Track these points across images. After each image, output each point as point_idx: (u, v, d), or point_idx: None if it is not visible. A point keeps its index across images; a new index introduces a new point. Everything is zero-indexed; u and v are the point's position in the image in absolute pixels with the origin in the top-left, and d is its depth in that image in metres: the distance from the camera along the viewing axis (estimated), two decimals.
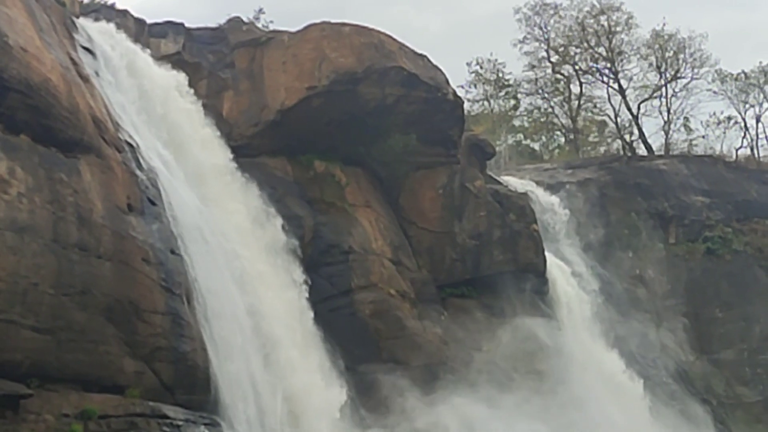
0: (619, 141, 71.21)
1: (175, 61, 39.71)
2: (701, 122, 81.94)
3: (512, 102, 73.96)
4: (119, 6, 40.88)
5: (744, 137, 72.40)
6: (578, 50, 70.04)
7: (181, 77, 38.18)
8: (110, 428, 26.47)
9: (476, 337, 42.32)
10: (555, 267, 49.04)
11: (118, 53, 35.10)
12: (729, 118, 72.46)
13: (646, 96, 69.81)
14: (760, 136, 73.03)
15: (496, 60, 72.65)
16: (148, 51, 37.68)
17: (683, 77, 69.67)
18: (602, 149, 73.39)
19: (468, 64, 73.36)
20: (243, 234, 36.32)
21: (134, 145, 31.43)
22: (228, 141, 38.95)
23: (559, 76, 71.56)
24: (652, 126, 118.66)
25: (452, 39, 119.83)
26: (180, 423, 27.92)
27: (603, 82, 69.96)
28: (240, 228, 36.32)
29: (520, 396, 40.39)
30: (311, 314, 37.41)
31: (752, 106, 72.07)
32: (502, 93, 73.38)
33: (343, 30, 41.79)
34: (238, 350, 31.58)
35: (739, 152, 70.79)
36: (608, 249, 54.04)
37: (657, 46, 68.87)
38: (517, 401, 40.02)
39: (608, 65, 68.90)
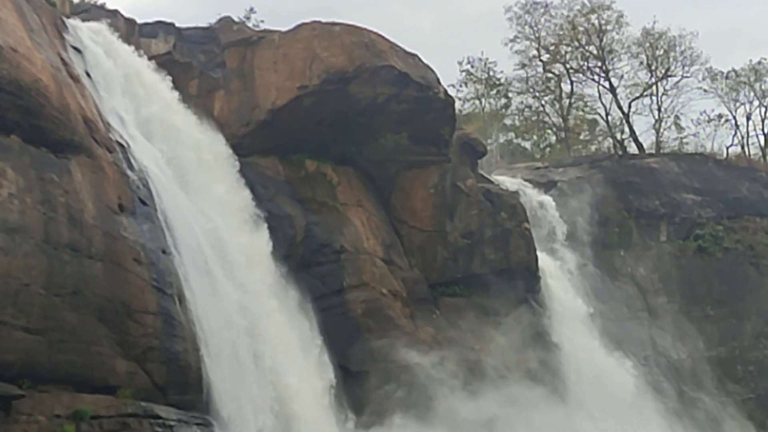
0: (610, 139, 71.27)
1: (166, 61, 39.69)
2: (692, 120, 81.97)
3: (503, 101, 73.94)
4: (110, 6, 40.95)
5: (734, 135, 72.73)
6: (569, 49, 70.05)
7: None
8: (102, 429, 26.48)
9: (468, 335, 42.35)
10: (547, 265, 49.08)
11: (109, 53, 35.11)
12: (719, 116, 72.72)
13: (637, 94, 69.89)
14: (750, 133, 73.30)
15: (487, 59, 72.72)
16: (137, 51, 37.71)
17: (674, 75, 69.77)
18: (593, 148, 73.41)
19: (459, 63, 73.48)
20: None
21: (125, 145, 31.43)
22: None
23: (549, 74, 71.56)
24: (642, 124, 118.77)
25: (444, 38, 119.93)
26: (172, 423, 27.93)
27: (594, 80, 69.99)
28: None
29: (511, 394, 40.43)
30: (304, 312, 37.49)
31: (742, 103, 72.31)
32: (493, 92, 73.37)
33: (334, 29, 41.79)
34: (230, 350, 31.57)
35: (730, 150, 71.06)
36: (600, 247, 54.08)
37: (647, 45, 68.94)
38: (509, 400, 40.07)
39: (599, 64, 68.93)
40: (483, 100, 73.58)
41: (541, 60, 70.72)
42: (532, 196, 52.62)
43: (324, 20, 42.31)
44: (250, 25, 45.11)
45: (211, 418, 29.42)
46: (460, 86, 72.37)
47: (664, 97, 70.20)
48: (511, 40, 70.02)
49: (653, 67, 69.33)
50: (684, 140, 72.51)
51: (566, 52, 70.22)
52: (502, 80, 72.68)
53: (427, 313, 42.91)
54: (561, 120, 72.35)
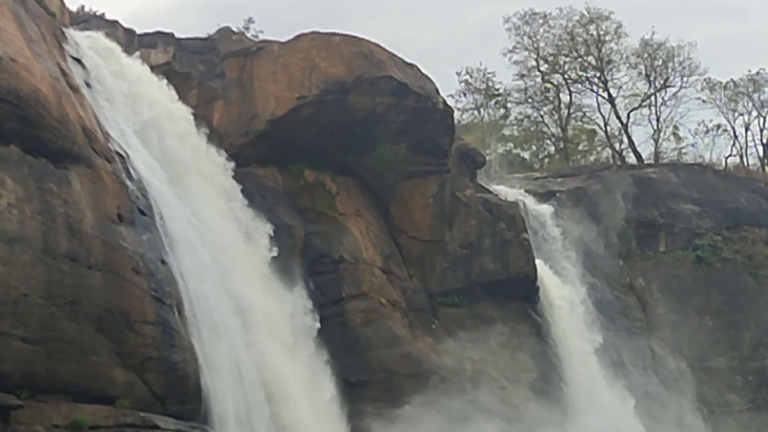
0: (608, 150, 71.43)
1: (165, 71, 39.71)
2: (690, 131, 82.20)
3: (502, 111, 74.00)
4: (109, 16, 41.00)
5: (733, 145, 72.88)
6: (567, 59, 70.21)
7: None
8: None
9: (467, 345, 42.32)
10: (545, 275, 49.06)
11: (108, 63, 35.13)
12: (718, 127, 72.87)
13: (636, 105, 70.11)
14: (749, 144, 73.47)
15: (485, 69, 72.79)
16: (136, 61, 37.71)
17: (672, 86, 70.00)
18: (592, 158, 73.45)
19: (458, 74, 73.53)
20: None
21: (124, 155, 31.43)
22: (218, 151, 38.99)
23: (548, 85, 71.65)
24: (641, 135, 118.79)
25: (443, 48, 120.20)
26: None
27: (592, 91, 70.21)
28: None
29: (511, 405, 40.40)
30: (305, 317, 37.50)
31: (741, 114, 72.46)
32: (492, 102, 73.43)
33: (333, 40, 41.85)
34: (229, 359, 31.54)
35: (729, 160, 71.21)
36: (598, 257, 54.09)
37: (646, 55, 69.14)
38: (508, 410, 40.04)
39: (598, 74, 69.12)
40: (482, 110, 73.64)
41: (539, 70, 70.88)
42: (531, 207, 52.64)
43: (323, 30, 42.43)
44: (249, 35, 45.22)
45: (210, 428, 29.37)
46: (459, 96, 72.47)
47: (662, 108, 70.51)
48: (510, 51, 70.23)
49: (652, 78, 69.54)
50: (683, 150, 72.77)
51: (565, 63, 70.40)
52: (501, 90, 72.77)
53: (426, 323, 42.89)
54: (560, 130, 72.42)
